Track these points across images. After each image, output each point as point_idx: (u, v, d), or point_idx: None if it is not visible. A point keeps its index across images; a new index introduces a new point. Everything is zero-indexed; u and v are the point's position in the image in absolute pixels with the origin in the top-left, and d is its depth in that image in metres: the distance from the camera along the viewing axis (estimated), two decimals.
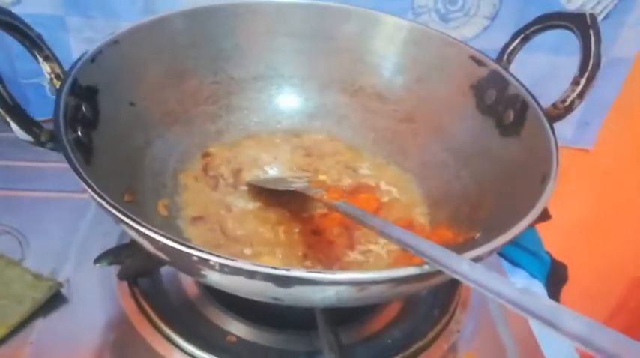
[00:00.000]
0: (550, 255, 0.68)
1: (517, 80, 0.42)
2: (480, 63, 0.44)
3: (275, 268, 0.26)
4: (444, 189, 0.45)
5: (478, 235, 0.37)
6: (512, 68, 0.46)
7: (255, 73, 0.50)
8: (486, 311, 0.45)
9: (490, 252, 0.29)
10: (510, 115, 0.41)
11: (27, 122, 0.33)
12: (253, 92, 0.51)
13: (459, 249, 0.28)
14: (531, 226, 0.39)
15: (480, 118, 0.44)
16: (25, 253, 0.44)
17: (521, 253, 0.63)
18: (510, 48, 0.45)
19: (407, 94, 0.49)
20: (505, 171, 0.40)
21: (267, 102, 0.51)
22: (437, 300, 0.44)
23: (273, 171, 0.48)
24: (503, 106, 0.42)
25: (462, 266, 0.25)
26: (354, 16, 0.49)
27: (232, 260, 0.26)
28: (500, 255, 0.59)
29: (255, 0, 0.49)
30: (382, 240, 0.42)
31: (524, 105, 0.40)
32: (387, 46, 0.49)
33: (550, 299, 0.23)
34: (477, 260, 0.28)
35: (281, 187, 0.43)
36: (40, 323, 0.39)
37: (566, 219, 0.70)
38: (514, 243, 0.58)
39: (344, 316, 0.41)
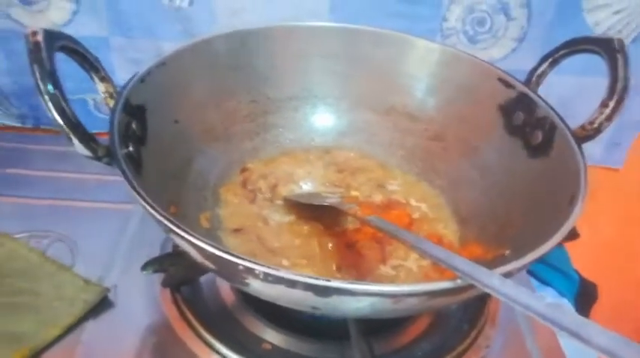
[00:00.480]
0: (579, 274, 0.68)
1: (545, 102, 0.43)
2: (508, 85, 0.46)
3: (316, 278, 0.28)
4: (472, 206, 0.46)
5: (507, 252, 0.38)
6: (541, 88, 0.47)
7: (290, 93, 0.53)
8: (515, 326, 0.45)
9: (519, 269, 0.30)
10: (538, 137, 0.43)
11: (86, 138, 0.35)
12: (289, 111, 0.53)
13: (489, 265, 0.29)
14: (560, 245, 0.40)
15: (508, 139, 0.45)
16: (76, 259, 0.47)
17: (550, 271, 0.64)
18: (539, 71, 0.46)
19: (437, 114, 0.51)
20: (533, 190, 0.41)
21: (302, 121, 0.53)
22: (466, 315, 0.45)
23: (307, 186, 0.50)
24: (531, 128, 0.43)
25: (492, 280, 0.27)
26: (386, 39, 0.51)
27: (276, 269, 0.28)
28: (530, 273, 0.60)
29: (292, 23, 0.51)
30: (413, 255, 0.44)
31: (553, 127, 0.42)
32: (418, 68, 0.51)
33: (577, 314, 0.24)
34: (506, 276, 0.29)
35: (316, 202, 0.45)
36: (89, 325, 0.42)
37: (595, 238, 0.70)
38: (543, 261, 0.59)
39: (376, 327, 0.42)
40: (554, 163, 0.41)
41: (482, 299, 0.45)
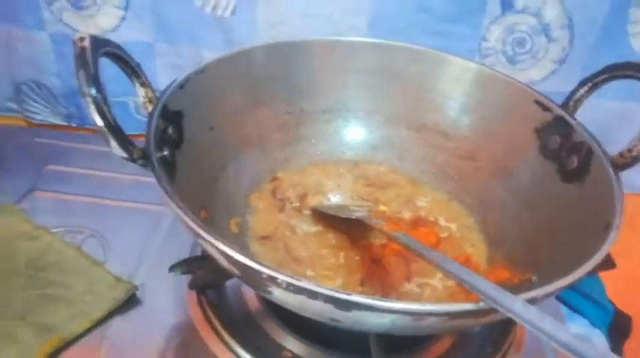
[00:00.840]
0: (614, 305, 0.66)
1: (583, 127, 0.43)
2: (545, 108, 0.45)
3: (337, 291, 0.28)
4: (502, 228, 0.45)
5: (535, 278, 0.37)
6: (579, 113, 0.47)
7: (324, 106, 0.53)
8: (541, 353, 0.44)
9: (546, 296, 0.30)
10: (574, 161, 0.42)
11: (124, 141, 0.36)
12: (321, 123, 0.54)
13: (515, 289, 0.29)
14: (594, 274, 0.39)
15: (543, 162, 0.44)
16: (107, 256, 0.49)
17: (583, 300, 0.62)
18: (577, 95, 0.46)
19: (470, 133, 0.51)
20: (566, 215, 0.41)
21: (334, 134, 0.54)
22: (490, 337, 0.44)
23: (335, 198, 0.51)
24: (567, 152, 0.43)
25: (516, 305, 0.26)
26: (422, 56, 0.52)
27: (298, 280, 0.29)
28: (560, 299, 0.58)
29: (330, 38, 0.52)
30: (438, 274, 0.44)
31: (589, 153, 0.41)
32: (453, 87, 0.51)
33: (603, 347, 0.24)
34: (532, 301, 0.28)
35: (343, 214, 0.45)
36: (116, 321, 0.43)
37: (632, 269, 0.68)
38: (576, 289, 0.58)
39: (397, 345, 0.41)
40: (589, 189, 0.40)
41: (508, 323, 0.44)
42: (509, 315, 0.27)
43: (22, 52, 0.65)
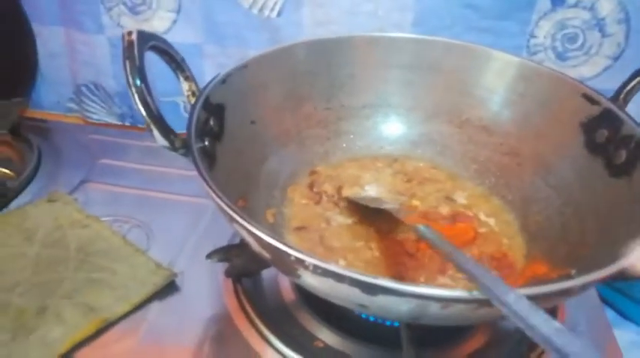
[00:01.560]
0: None
1: (632, 120, 0.41)
2: (592, 101, 0.44)
3: (362, 274, 0.28)
4: (543, 224, 0.44)
5: (574, 272, 0.36)
6: (631, 108, 0.45)
7: (365, 102, 0.54)
8: None
9: (580, 288, 0.29)
10: (622, 156, 0.40)
11: (166, 130, 0.38)
12: (361, 119, 0.54)
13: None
14: None
15: (588, 157, 0.43)
16: (150, 244, 0.51)
17: (634, 305, 0.59)
18: (628, 87, 0.44)
19: (513, 128, 0.49)
20: (611, 211, 0.39)
21: (373, 129, 0.54)
22: (526, 336, 0.42)
23: (372, 191, 0.50)
24: (614, 146, 0.41)
25: (509, 296, 0.26)
26: (464, 51, 0.51)
27: (325, 262, 0.29)
28: (610, 305, 0.56)
29: (371, 34, 0.52)
30: None
31: (638, 146, 0.39)
32: (496, 81, 0.50)
33: (585, 340, 0.22)
34: (566, 293, 0.27)
35: (373, 204, 0.45)
36: (155, 306, 0.45)
37: None
38: (627, 294, 0.55)
39: (430, 339, 0.41)
40: (637, 184, 0.38)
41: None
42: (496, 304, 0.26)
43: (83, 55, 0.70)
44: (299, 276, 0.31)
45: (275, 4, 0.62)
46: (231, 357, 0.41)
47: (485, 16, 0.59)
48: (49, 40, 0.70)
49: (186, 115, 0.70)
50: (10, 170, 0.60)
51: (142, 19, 0.66)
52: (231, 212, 0.32)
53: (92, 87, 0.72)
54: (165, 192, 0.58)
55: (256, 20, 0.63)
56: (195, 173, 0.35)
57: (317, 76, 0.52)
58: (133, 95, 0.37)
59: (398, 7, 0.60)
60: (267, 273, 0.47)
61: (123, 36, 0.39)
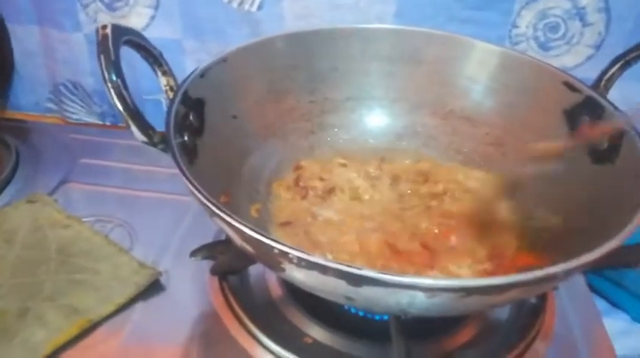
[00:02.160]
0: None
1: (614, 106, 0.41)
2: (573, 89, 0.44)
3: (347, 265, 0.28)
4: (530, 213, 0.44)
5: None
6: (613, 95, 0.45)
7: (348, 94, 0.53)
8: (571, 343, 0.43)
9: (566, 273, 0.29)
10: (604, 143, 0.40)
11: (144, 125, 0.37)
12: (345, 112, 0.53)
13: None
14: (636, 267, 0.37)
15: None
16: (134, 244, 0.50)
17: (625, 295, 0.60)
18: (609, 74, 0.44)
19: (497, 118, 0.49)
20: (595, 198, 0.39)
21: (358, 122, 0.54)
22: (516, 326, 0.43)
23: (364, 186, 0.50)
24: None
25: None
26: (445, 41, 0.51)
27: (308, 254, 0.28)
28: (600, 294, 0.56)
29: (352, 25, 0.52)
30: (465, 262, 0.42)
31: (620, 133, 0.39)
32: (478, 71, 0.50)
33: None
34: (550, 279, 0.27)
35: None
36: (140, 306, 0.44)
37: None
38: (617, 283, 0.55)
39: (419, 332, 0.41)
40: (620, 170, 0.39)
41: (536, 312, 0.43)
42: None
43: (60, 53, 0.68)
44: (284, 270, 0.31)
45: None
46: (220, 356, 0.41)
47: (468, 6, 0.59)
48: (25, 39, 0.69)
49: None
50: None
51: (120, 15, 0.65)
52: (212, 206, 0.32)
53: (70, 86, 0.70)
54: (148, 190, 0.57)
55: (236, 14, 0.62)
56: (177, 170, 0.35)
57: (298, 69, 0.51)
58: (109, 90, 0.37)
59: (379, 0, 0.60)
60: (253, 270, 0.47)
61: (97, 30, 0.38)
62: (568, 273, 0.29)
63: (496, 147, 0.49)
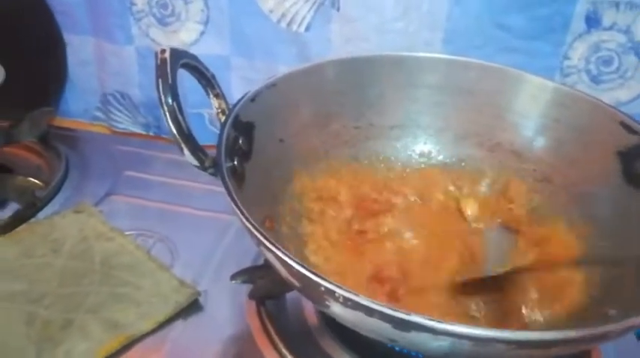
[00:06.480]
0: None
1: None
2: (630, 130, 0.42)
3: (395, 310, 0.27)
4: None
5: (612, 312, 0.35)
6: None
7: (394, 121, 0.53)
8: None
9: (621, 332, 0.28)
10: None
11: (196, 149, 0.38)
12: (390, 139, 0.53)
13: (587, 322, 0.27)
14: None
15: (626, 188, 0.42)
16: (174, 260, 0.50)
17: None
18: None
19: (546, 155, 0.48)
20: None
21: (402, 150, 0.53)
22: None
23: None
24: None
25: None
26: (496, 74, 0.50)
27: (355, 295, 0.28)
28: None
29: (401, 53, 0.52)
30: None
31: None
32: (529, 106, 0.49)
33: None
34: (604, 338, 0.26)
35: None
36: (179, 325, 0.44)
37: None
38: None
39: None
40: None
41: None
42: None
43: (111, 65, 0.70)
44: (328, 307, 0.31)
45: (303, 18, 0.62)
46: None
47: (518, 36, 0.58)
48: (80, 49, 0.71)
49: (212, 128, 0.71)
50: (39, 179, 0.60)
51: (170, 30, 0.66)
52: (260, 236, 0.32)
53: (119, 96, 0.72)
54: (190, 206, 0.58)
55: (284, 34, 0.63)
56: (221, 188, 0.35)
57: (346, 95, 0.51)
58: (165, 113, 0.37)
59: (428, 26, 0.59)
60: (291, 296, 0.46)
61: (156, 54, 0.39)
62: (624, 331, 0.28)
63: (544, 184, 0.48)
